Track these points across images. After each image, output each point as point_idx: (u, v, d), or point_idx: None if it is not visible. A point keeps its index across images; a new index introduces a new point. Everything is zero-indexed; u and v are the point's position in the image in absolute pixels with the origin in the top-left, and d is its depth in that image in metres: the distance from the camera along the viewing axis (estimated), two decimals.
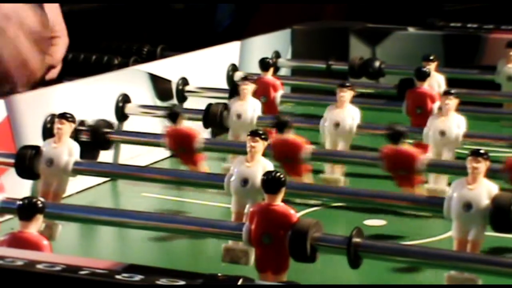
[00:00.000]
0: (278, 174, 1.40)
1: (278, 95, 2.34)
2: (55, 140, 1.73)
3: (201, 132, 1.97)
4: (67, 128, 1.72)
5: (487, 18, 3.04)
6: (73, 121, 1.75)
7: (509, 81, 2.51)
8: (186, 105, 2.41)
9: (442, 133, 1.92)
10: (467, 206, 1.44)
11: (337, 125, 1.99)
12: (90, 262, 1.07)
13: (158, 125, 2.16)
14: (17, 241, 1.26)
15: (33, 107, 1.97)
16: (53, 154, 1.71)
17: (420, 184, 1.80)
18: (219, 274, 1.07)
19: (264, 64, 2.38)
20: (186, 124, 1.95)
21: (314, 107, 2.47)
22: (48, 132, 1.92)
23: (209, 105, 2.12)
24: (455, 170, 1.79)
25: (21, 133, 1.93)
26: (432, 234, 1.72)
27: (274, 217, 1.38)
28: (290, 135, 1.86)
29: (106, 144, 2.01)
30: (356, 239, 1.36)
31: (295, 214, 1.38)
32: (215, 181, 1.68)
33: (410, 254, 1.38)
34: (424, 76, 2.16)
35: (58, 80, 2.45)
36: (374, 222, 1.81)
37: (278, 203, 1.39)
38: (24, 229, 1.27)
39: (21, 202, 1.30)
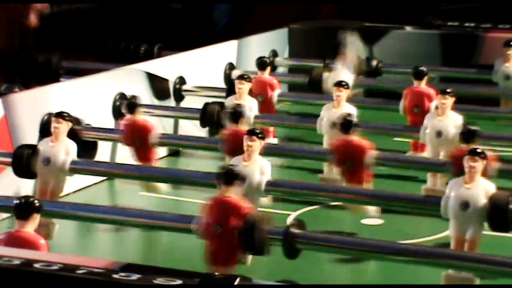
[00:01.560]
0: (232, 168, 1.43)
1: (275, 94, 2.34)
2: (52, 139, 1.73)
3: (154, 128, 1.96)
4: (64, 127, 1.72)
5: (484, 17, 3.05)
6: (70, 120, 1.74)
7: (507, 80, 2.51)
8: (183, 104, 2.41)
9: (439, 133, 1.92)
10: (464, 205, 1.44)
11: (334, 124, 1.98)
12: (87, 261, 1.07)
13: (155, 124, 2.15)
14: (14, 240, 1.26)
15: (31, 106, 1.97)
16: (50, 153, 1.71)
17: (369, 180, 1.78)
18: (216, 274, 1.07)
19: (261, 63, 2.38)
20: (143, 117, 1.95)
21: (311, 106, 2.47)
22: (45, 131, 1.92)
23: (206, 104, 2.12)
24: (403, 164, 1.82)
25: (19, 132, 1.93)
26: (430, 233, 1.72)
27: (227, 208, 1.39)
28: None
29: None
30: (294, 230, 1.38)
31: (247, 207, 1.39)
32: (212, 180, 1.68)
33: (347, 245, 1.42)
34: (421, 75, 2.16)
35: (55, 79, 2.45)
36: (372, 221, 1.80)
37: (231, 195, 1.40)
38: (21, 228, 1.27)
39: (17, 201, 1.29)
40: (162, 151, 2.16)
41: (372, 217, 1.70)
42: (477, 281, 1.42)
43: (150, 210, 1.63)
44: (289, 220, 1.78)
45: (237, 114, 1.83)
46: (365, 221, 1.81)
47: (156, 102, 2.36)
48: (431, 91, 2.15)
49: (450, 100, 1.92)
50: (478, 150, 1.45)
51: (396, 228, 1.77)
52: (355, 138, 1.77)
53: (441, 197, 1.48)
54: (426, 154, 2.06)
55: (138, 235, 1.70)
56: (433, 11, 3.25)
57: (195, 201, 1.90)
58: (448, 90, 1.93)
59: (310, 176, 1.96)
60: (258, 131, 1.57)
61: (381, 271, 1.55)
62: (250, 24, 3.66)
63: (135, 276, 1.03)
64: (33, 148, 1.72)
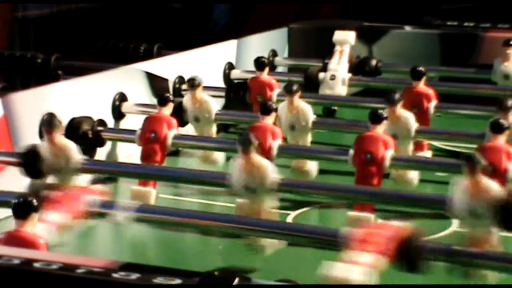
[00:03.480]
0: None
1: (274, 94, 2.34)
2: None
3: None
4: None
5: (483, 16, 3.05)
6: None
7: (506, 79, 2.51)
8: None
9: None
10: (472, 208, 1.42)
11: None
12: (87, 261, 1.07)
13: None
14: (13, 239, 1.26)
15: (30, 106, 1.97)
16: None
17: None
18: (216, 273, 1.07)
19: (259, 64, 2.38)
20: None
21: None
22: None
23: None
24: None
25: (18, 132, 1.93)
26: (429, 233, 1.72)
27: None
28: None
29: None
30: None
31: None
32: (213, 179, 1.69)
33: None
34: (419, 75, 2.16)
35: (55, 79, 2.45)
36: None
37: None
38: (19, 228, 1.26)
39: (16, 201, 1.28)
40: None
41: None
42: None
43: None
44: (289, 219, 1.79)
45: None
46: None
47: (155, 101, 2.36)
48: (430, 91, 2.15)
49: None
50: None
51: None
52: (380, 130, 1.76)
53: (445, 198, 1.46)
54: (428, 153, 2.07)
55: (136, 233, 1.70)
56: (432, 11, 3.25)
57: (196, 200, 1.91)
58: None
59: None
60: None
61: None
62: (250, 24, 3.66)
63: (134, 276, 1.03)
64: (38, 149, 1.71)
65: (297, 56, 2.89)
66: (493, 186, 1.42)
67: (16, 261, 1.05)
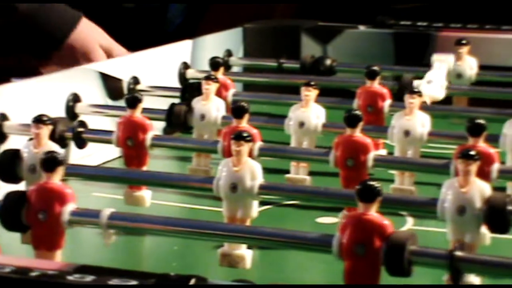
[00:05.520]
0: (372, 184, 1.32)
1: (229, 94, 2.33)
2: (35, 144, 1.66)
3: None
4: (45, 131, 1.66)
5: (436, 16, 3.08)
6: (51, 123, 1.68)
7: (459, 78, 2.53)
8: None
9: (407, 133, 1.92)
10: (461, 210, 1.41)
11: (302, 124, 1.98)
12: (41, 263, 1.06)
13: (109, 124, 2.14)
14: (44, 190, 1.44)
15: None
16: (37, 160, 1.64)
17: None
18: (172, 274, 1.06)
19: (214, 64, 2.37)
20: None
21: (267, 106, 2.47)
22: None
23: (172, 105, 2.10)
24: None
25: None
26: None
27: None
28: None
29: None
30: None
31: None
32: (173, 181, 1.68)
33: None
34: (374, 75, 2.17)
35: (6, 79, 2.42)
36: (326, 220, 1.81)
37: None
38: (49, 180, 1.44)
39: (44, 157, 1.45)
40: (115, 152, 2.15)
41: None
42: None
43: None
44: None
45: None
46: (320, 220, 1.82)
47: (109, 102, 2.35)
48: (384, 90, 2.17)
49: (417, 100, 1.92)
50: (471, 152, 1.41)
51: None
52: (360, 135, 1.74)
53: (436, 199, 1.45)
54: (383, 152, 2.08)
55: (91, 234, 1.68)
56: (386, 11, 3.28)
57: (153, 201, 1.89)
58: (415, 90, 1.93)
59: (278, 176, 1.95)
60: (245, 134, 1.54)
61: None
62: (205, 24, 3.66)
63: (89, 278, 1.03)
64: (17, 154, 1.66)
65: (252, 56, 2.89)
66: (484, 187, 1.41)
67: None
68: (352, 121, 1.74)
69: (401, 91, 2.16)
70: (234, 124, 1.82)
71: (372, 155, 1.73)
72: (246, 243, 1.50)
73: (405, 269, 1.28)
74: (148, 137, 1.86)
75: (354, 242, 1.30)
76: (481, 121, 1.70)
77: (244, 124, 1.81)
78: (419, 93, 1.95)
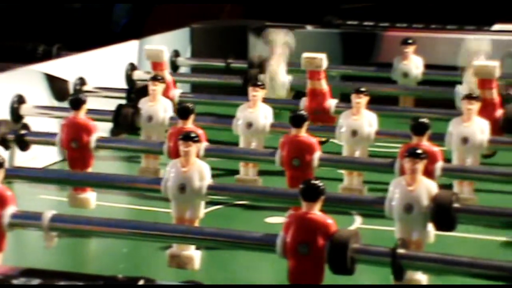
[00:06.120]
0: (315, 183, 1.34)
1: (176, 93, 2.33)
2: None
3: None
4: None
5: (382, 16, 3.10)
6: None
7: (405, 77, 2.56)
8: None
9: (354, 132, 1.93)
10: (408, 208, 1.43)
11: (250, 125, 1.98)
12: None
13: (54, 125, 2.12)
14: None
15: None
16: None
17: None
18: (120, 275, 1.06)
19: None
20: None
21: (214, 106, 2.47)
22: None
23: (120, 106, 2.08)
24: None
25: None
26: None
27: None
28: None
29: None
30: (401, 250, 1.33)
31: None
32: (120, 183, 1.66)
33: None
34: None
35: None
36: (275, 220, 1.81)
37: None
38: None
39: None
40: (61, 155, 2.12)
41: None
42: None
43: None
44: None
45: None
46: (268, 220, 1.82)
47: (55, 103, 2.32)
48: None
49: (364, 99, 1.93)
50: (418, 151, 1.43)
51: None
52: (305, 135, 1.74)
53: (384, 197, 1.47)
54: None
55: (37, 237, 1.66)
56: (333, 11, 3.29)
57: (99, 203, 1.88)
58: (362, 89, 1.94)
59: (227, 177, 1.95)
60: (193, 134, 1.53)
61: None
62: (151, 24, 3.64)
63: (36, 281, 1.01)
64: None
65: (200, 56, 2.88)
66: (431, 185, 1.43)
67: None
68: (297, 121, 1.74)
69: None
70: (180, 125, 1.82)
71: (317, 154, 1.73)
72: (195, 244, 1.50)
73: (348, 268, 1.29)
74: (93, 139, 1.85)
75: (298, 242, 1.31)
76: (425, 120, 1.72)
77: (190, 125, 1.81)
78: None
